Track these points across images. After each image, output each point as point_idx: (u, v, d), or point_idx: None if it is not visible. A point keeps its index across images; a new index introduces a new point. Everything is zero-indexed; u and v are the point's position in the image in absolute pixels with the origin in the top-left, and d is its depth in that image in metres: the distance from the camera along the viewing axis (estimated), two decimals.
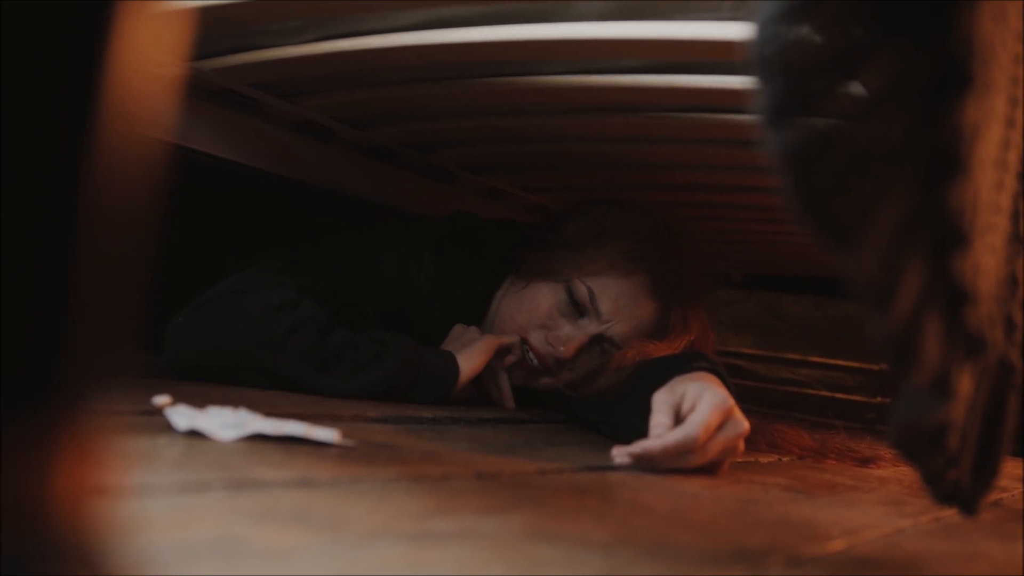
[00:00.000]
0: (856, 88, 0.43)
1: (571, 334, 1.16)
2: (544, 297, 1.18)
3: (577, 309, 1.17)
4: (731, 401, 0.90)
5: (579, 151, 1.42)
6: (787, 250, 2.02)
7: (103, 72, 0.27)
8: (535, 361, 1.17)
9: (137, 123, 0.29)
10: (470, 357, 1.13)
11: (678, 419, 0.88)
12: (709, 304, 1.30)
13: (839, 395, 2.42)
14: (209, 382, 0.96)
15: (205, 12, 0.96)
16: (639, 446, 0.85)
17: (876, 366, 2.35)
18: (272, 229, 1.53)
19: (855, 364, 2.41)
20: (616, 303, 1.16)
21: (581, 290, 1.16)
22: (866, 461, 1.23)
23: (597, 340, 1.17)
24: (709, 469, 0.89)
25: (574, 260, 1.18)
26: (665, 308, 1.18)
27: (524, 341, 1.17)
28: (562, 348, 1.15)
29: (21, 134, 0.26)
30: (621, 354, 1.14)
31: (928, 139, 0.44)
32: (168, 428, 0.67)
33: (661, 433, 0.86)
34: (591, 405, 1.15)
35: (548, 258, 1.20)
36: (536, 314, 1.17)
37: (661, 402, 0.89)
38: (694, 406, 0.88)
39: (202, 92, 1.18)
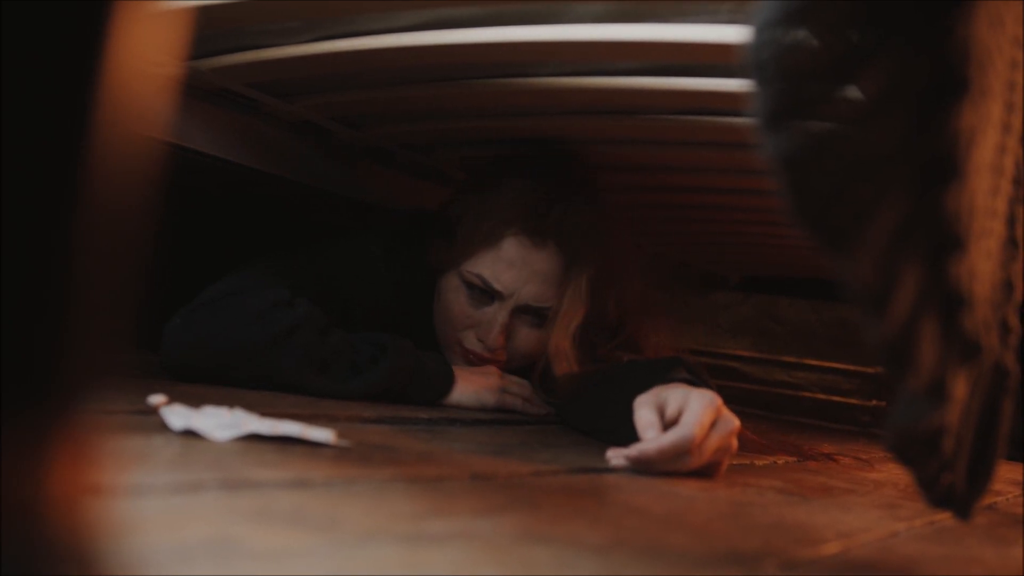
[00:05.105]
0: (853, 93, 0.43)
1: (491, 321, 1.18)
2: (452, 301, 1.19)
3: (485, 294, 1.18)
4: (719, 400, 0.89)
5: (576, 153, 1.42)
6: (784, 253, 2.02)
7: (100, 71, 0.27)
8: (478, 362, 1.20)
9: (134, 122, 0.29)
10: (471, 378, 1.15)
11: (663, 421, 0.88)
12: (647, 263, 1.30)
13: (835, 398, 2.42)
14: (205, 382, 0.96)
15: (203, 12, 0.95)
16: (635, 448, 0.85)
17: (872, 370, 2.36)
18: (269, 229, 1.53)
19: (851, 368, 2.41)
20: (508, 274, 1.17)
21: (474, 280, 1.17)
22: (862, 464, 1.23)
23: (516, 313, 1.18)
24: (707, 472, 0.88)
25: (453, 251, 1.19)
26: (557, 247, 1.17)
27: (459, 344, 1.20)
28: (490, 341, 1.17)
29: (19, 133, 0.26)
30: (548, 326, 1.17)
31: (924, 144, 0.45)
32: (164, 428, 0.67)
33: (653, 435, 0.85)
34: (577, 415, 1.15)
35: (437, 252, 1.21)
36: (453, 319, 1.19)
37: (643, 403, 0.89)
38: (683, 408, 0.87)
39: (199, 92, 1.18)
